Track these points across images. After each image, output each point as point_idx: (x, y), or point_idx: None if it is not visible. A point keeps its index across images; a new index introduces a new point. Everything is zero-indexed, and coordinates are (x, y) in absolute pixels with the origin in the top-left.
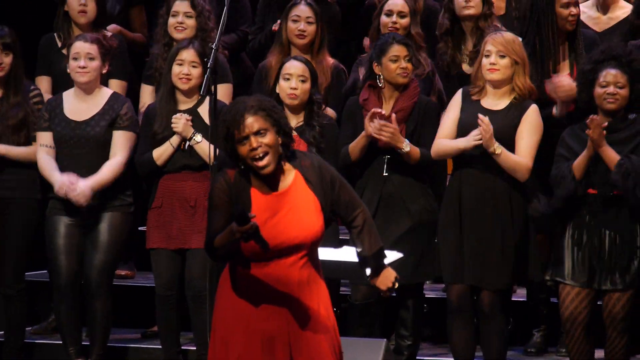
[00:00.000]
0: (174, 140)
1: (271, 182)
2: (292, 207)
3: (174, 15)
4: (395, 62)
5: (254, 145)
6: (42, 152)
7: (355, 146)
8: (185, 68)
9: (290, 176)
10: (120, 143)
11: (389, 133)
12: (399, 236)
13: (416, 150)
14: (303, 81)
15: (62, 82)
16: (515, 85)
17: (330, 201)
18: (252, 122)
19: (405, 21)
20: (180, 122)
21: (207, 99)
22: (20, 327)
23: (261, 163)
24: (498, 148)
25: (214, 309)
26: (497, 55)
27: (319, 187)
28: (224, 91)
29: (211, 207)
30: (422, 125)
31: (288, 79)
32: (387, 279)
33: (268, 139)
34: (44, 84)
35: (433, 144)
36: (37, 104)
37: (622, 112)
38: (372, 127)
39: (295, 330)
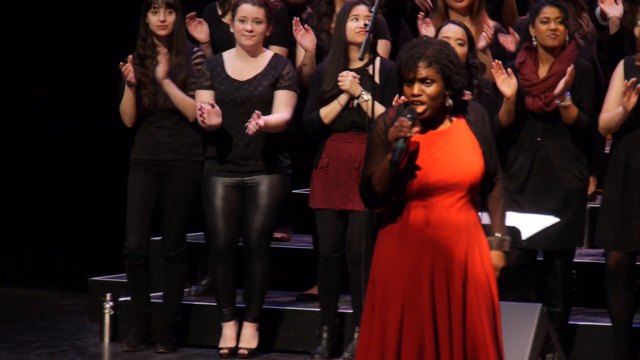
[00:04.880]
0: (342, 98)
1: (432, 121)
2: (452, 146)
3: None
4: (546, 24)
5: (416, 92)
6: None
7: (503, 115)
8: (361, 22)
9: (454, 118)
10: (284, 102)
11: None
12: (550, 204)
13: (574, 108)
14: (461, 44)
15: (221, 50)
16: None
17: (486, 147)
18: (422, 70)
19: None
20: (347, 79)
21: (378, 58)
22: (180, 289)
23: (419, 109)
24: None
25: (373, 260)
26: None
27: (480, 130)
28: (381, 47)
29: (368, 150)
30: (579, 89)
31: None
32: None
33: (432, 89)
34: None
35: (600, 117)
36: (198, 66)
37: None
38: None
39: (452, 276)
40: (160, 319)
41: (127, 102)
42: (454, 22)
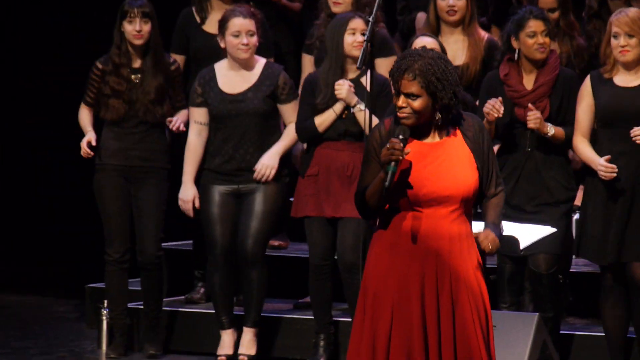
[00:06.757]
0: (337, 107)
1: (427, 132)
2: (445, 159)
3: None
4: (533, 37)
5: (400, 104)
6: (193, 132)
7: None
8: (359, 35)
9: (449, 130)
10: (293, 113)
11: (535, 118)
12: (536, 212)
13: (561, 132)
14: None
15: (200, 58)
16: None
17: (482, 163)
18: (407, 83)
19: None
20: (343, 88)
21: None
22: (158, 296)
23: (402, 117)
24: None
25: (365, 268)
26: (625, 35)
27: (476, 145)
28: (387, 65)
29: (364, 159)
30: (568, 99)
31: None
32: (490, 240)
33: (417, 104)
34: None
35: (573, 141)
36: (176, 77)
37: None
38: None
39: (442, 286)
40: (143, 326)
41: (85, 117)
42: (425, 35)
